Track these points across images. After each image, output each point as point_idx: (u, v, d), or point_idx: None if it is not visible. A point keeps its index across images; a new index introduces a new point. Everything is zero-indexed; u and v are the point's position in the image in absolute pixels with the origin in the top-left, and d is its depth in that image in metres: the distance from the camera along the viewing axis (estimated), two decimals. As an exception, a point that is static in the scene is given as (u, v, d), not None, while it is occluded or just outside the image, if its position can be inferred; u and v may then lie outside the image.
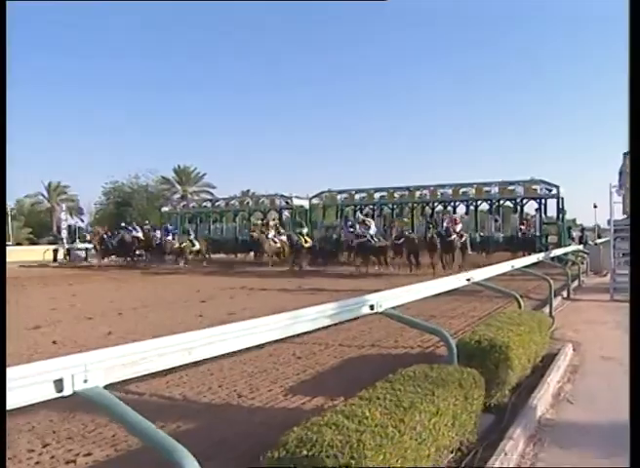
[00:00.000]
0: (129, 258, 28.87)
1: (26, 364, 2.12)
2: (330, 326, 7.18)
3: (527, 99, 69.82)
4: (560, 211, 23.13)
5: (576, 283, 14.27)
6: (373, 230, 21.63)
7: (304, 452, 2.28)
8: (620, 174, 13.05)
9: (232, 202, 31.81)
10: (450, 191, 24.91)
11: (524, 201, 24.29)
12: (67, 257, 31.35)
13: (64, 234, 33.23)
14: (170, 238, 26.77)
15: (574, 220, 37.92)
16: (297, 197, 29.67)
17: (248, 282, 17.27)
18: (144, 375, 5.13)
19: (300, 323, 3.89)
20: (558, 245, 20.71)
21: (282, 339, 6.68)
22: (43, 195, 55.65)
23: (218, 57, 70.49)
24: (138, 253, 29.02)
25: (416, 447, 2.67)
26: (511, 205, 25.14)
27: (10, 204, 36.51)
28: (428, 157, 70.25)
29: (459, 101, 72.23)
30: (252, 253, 27.53)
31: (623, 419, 2.89)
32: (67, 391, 2.20)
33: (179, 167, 54.25)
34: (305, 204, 28.97)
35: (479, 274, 7.31)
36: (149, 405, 4.74)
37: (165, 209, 33.56)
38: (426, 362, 4.02)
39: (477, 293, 10.78)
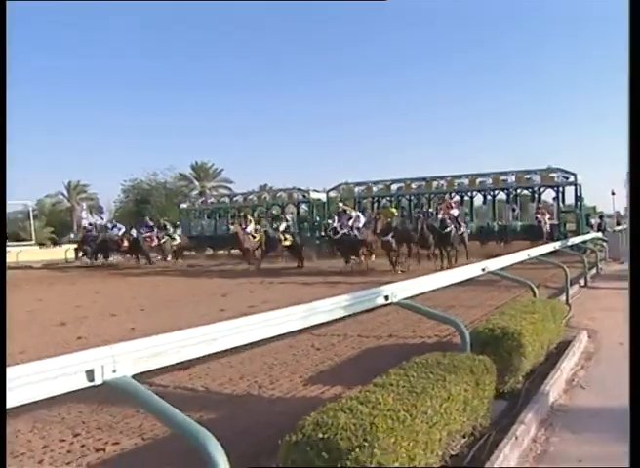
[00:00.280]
0: (110, 258, 27.55)
1: (59, 356, 2.29)
2: (348, 317, 7.40)
3: (543, 86, 69.14)
4: (578, 198, 23.01)
5: (594, 271, 14.24)
6: (362, 222, 19.30)
7: (320, 435, 2.41)
8: None
9: (250, 197, 31.90)
10: (467, 181, 24.79)
11: (541, 189, 24.19)
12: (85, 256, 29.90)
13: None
14: (149, 234, 24.99)
15: (594, 208, 37.48)
16: (314, 190, 29.73)
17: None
18: (168, 368, 5.35)
19: (316, 314, 4.03)
20: (576, 233, 20.61)
21: (301, 332, 6.88)
22: (63, 194, 56.32)
23: (225, 55, 70.44)
24: (122, 251, 26.96)
25: (427, 430, 2.79)
26: (529, 193, 24.98)
27: (31, 204, 36.96)
28: (446, 148, 69.80)
29: (475, 91, 71.51)
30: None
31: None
32: (98, 381, 2.36)
33: (196, 163, 54.55)
34: (323, 197, 29.02)
35: (494, 263, 7.39)
36: (173, 396, 4.88)
37: (183, 205, 33.74)
38: (443, 351, 4.14)
39: (495, 283, 10.83)
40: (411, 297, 5.00)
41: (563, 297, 8.99)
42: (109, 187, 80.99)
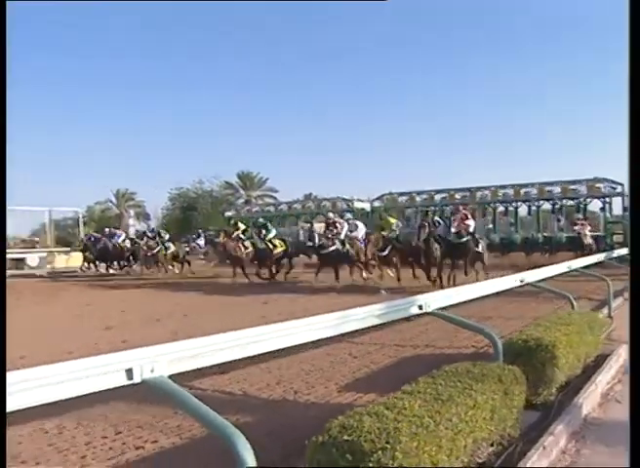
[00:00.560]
0: (110, 267, 25.85)
1: (101, 355, 2.46)
2: (386, 327, 7.47)
3: (587, 95, 67.53)
4: (626, 209, 22.54)
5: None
6: (361, 233, 17.44)
7: (345, 437, 2.52)
8: None
9: (295, 205, 32.25)
10: (511, 191, 24.60)
11: (587, 200, 23.79)
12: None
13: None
14: (142, 243, 23.36)
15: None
16: (358, 200, 29.91)
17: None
18: (208, 372, 5.54)
19: (349, 322, 4.14)
20: (624, 244, 20.18)
21: (339, 340, 6.99)
22: (112, 202, 57.72)
23: (277, 56, 71.15)
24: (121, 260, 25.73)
25: (451, 437, 2.86)
26: (574, 204, 24.60)
27: (81, 211, 37.98)
28: (490, 156, 68.84)
29: (520, 98, 70.51)
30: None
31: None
32: (137, 379, 2.53)
33: (242, 172, 55.27)
34: (367, 206, 29.13)
35: (533, 275, 7.37)
36: (211, 399, 4.99)
37: (228, 213, 34.30)
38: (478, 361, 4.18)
39: (538, 295, 10.72)
40: (444, 307, 5.05)
41: (606, 310, 8.86)
42: (157, 195, 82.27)
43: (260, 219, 21.76)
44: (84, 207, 48.30)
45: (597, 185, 22.82)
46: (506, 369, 3.81)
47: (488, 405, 3.29)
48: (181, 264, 23.80)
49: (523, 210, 25.34)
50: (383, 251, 15.76)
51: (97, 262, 26.45)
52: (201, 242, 25.61)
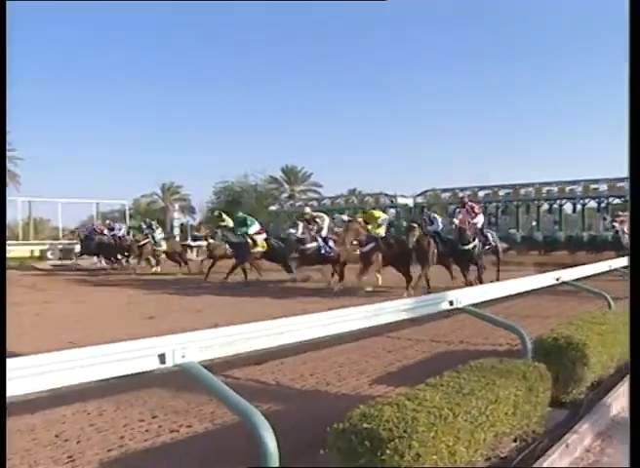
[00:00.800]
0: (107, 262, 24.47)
1: (136, 340, 2.62)
2: (421, 322, 7.52)
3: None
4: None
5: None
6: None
7: (364, 425, 2.63)
8: None
9: (338, 200, 32.43)
10: (556, 189, 24.21)
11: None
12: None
13: (176, 231, 35.04)
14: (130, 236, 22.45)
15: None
16: (401, 196, 29.90)
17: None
18: (242, 363, 5.70)
19: (379, 315, 4.24)
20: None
21: (374, 334, 7.07)
22: (157, 195, 58.73)
23: (325, 59, 71.12)
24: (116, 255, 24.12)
25: (470, 429, 2.93)
26: (621, 202, 24.06)
27: (127, 203, 38.83)
28: (531, 155, 67.59)
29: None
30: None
31: None
32: (169, 364, 2.69)
33: (286, 166, 55.59)
34: (410, 202, 29.08)
35: (569, 273, 7.31)
36: (244, 388, 5.14)
37: (272, 208, 34.67)
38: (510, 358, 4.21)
39: (577, 294, 10.58)
40: (476, 304, 5.09)
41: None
42: (202, 189, 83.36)
43: (240, 213, 19.32)
44: (130, 200, 49.34)
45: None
46: (531, 365, 3.85)
47: (510, 400, 3.34)
48: (178, 263, 21.61)
49: (568, 207, 24.89)
50: (365, 246, 13.81)
51: (95, 256, 25.27)
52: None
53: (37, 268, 24.80)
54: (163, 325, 8.59)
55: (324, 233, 14.87)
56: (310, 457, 3.15)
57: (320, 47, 69.99)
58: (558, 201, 24.53)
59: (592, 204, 24.36)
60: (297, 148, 72.93)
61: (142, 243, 21.16)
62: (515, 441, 3.59)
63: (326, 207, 31.98)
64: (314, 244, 14.59)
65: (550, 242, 23.18)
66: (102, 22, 68.34)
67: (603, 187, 23.00)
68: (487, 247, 14.11)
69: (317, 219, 15.20)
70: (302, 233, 14.68)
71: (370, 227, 14.26)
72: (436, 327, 8.18)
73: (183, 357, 2.69)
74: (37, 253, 29.40)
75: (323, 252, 14.63)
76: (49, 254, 28.94)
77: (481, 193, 26.70)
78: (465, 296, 4.95)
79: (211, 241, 18.37)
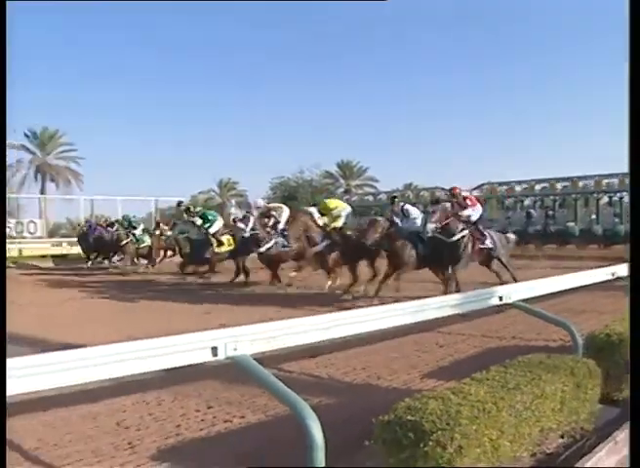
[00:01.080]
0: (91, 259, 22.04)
1: (190, 333, 2.78)
2: (473, 317, 7.50)
3: None
4: None
5: None
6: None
7: (409, 417, 2.72)
8: None
9: (393, 195, 32.18)
10: (616, 181, 23.39)
11: None
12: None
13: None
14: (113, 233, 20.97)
15: None
16: (457, 190, 29.47)
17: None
18: (296, 356, 5.84)
19: (425, 311, 4.31)
20: None
21: (427, 329, 7.10)
22: (214, 191, 59.60)
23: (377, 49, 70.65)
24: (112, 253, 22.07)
25: (515, 423, 2.98)
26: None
27: (185, 200, 39.64)
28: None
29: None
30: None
31: None
32: (221, 356, 2.84)
33: (342, 161, 55.63)
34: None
35: (625, 269, 7.14)
36: (298, 381, 5.29)
37: (329, 202, 34.61)
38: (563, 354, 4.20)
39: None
40: (525, 299, 5.08)
41: None
42: (258, 184, 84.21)
43: (198, 208, 17.80)
44: (188, 196, 50.29)
45: None
46: (580, 361, 3.85)
47: (557, 396, 3.37)
48: (146, 259, 20.34)
49: (627, 200, 24.07)
50: (318, 244, 11.98)
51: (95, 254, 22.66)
52: None
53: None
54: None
55: (281, 226, 12.68)
56: (358, 451, 3.23)
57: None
58: (619, 193, 23.76)
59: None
60: (355, 143, 72.68)
61: (124, 243, 20.22)
62: (562, 437, 3.60)
63: (382, 201, 31.84)
64: (272, 242, 12.38)
65: (610, 236, 22.46)
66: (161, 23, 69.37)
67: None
68: (480, 246, 10.74)
69: (273, 212, 13.08)
70: (253, 229, 12.53)
71: (326, 220, 12.40)
72: (487, 322, 8.12)
73: (235, 350, 2.84)
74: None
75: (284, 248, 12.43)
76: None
77: (538, 186, 26.10)
78: (516, 292, 4.95)
79: (169, 233, 16.62)
